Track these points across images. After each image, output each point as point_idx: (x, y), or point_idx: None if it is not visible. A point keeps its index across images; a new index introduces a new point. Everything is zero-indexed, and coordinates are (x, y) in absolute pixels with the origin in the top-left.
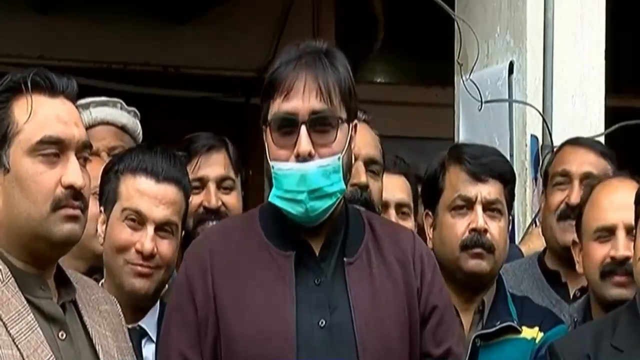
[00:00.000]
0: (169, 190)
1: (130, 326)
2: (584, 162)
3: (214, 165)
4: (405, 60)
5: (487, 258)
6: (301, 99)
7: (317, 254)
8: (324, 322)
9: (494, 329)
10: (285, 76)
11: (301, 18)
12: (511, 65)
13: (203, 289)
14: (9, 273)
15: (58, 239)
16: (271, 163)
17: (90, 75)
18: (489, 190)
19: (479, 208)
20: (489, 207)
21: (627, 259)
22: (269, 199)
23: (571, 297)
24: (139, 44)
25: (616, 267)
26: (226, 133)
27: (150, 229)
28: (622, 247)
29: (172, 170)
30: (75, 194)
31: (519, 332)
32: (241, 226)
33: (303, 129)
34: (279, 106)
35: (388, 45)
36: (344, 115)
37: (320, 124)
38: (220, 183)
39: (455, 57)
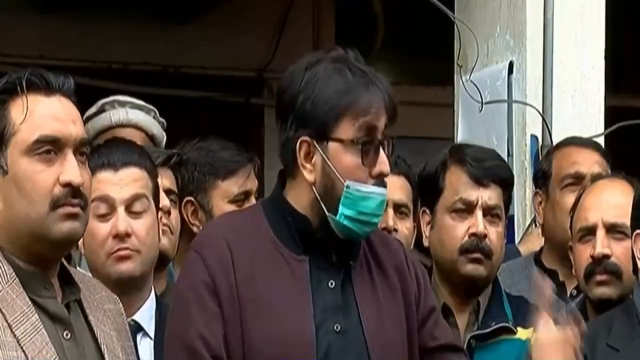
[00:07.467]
0: (129, 172)
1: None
2: (593, 162)
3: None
4: (405, 60)
5: (485, 263)
6: (380, 118)
7: (333, 256)
8: (338, 327)
9: (489, 329)
10: (368, 97)
11: (301, 18)
12: (511, 65)
13: (227, 286)
14: (13, 273)
15: (57, 238)
16: (348, 182)
17: (90, 75)
18: (490, 195)
19: (479, 213)
20: (489, 212)
21: (605, 257)
22: (337, 218)
23: (568, 295)
24: (139, 44)
25: (595, 266)
26: (226, 133)
27: (120, 210)
28: (599, 245)
29: (128, 156)
30: (73, 192)
31: (514, 332)
32: (248, 224)
33: (382, 150)
34: (360, 123)
35: (388, 45)
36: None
37: (384, 145)
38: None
39: (455, 59)
